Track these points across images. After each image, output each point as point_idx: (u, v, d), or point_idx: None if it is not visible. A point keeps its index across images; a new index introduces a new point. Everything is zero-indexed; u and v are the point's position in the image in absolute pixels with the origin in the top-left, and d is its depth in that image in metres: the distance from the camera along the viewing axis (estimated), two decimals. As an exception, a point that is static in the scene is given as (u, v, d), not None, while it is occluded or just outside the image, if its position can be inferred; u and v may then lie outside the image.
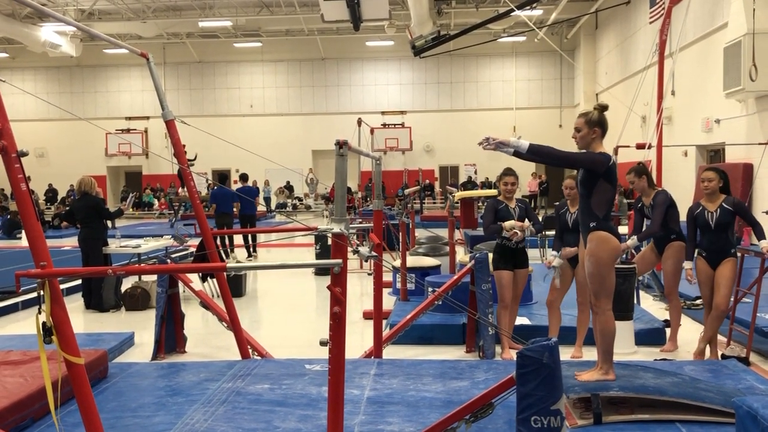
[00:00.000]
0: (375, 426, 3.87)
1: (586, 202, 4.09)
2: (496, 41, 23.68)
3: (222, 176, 15.18)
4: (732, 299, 5.43)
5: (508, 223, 5.59)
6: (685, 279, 5.56)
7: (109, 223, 9.25)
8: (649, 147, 10.70)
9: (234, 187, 16.29)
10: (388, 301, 7.66)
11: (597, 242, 4.03)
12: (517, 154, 3.74)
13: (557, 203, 6.09)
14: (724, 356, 5.42)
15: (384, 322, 5.97)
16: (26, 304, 8.23)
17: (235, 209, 13.14)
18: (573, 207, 5.63)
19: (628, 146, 11.88)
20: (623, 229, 11.92)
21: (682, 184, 14.60)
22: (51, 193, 29.18)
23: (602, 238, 4.03)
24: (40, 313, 2.90)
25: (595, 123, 4.08)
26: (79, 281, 8.85)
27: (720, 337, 5.67)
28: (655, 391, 3.84)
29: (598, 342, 4.17)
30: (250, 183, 17.12)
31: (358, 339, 6.43)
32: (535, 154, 3.79)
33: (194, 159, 18.32)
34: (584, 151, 4.06)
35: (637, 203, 6.20)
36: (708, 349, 5.46)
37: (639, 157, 10.05)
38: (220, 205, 12.41)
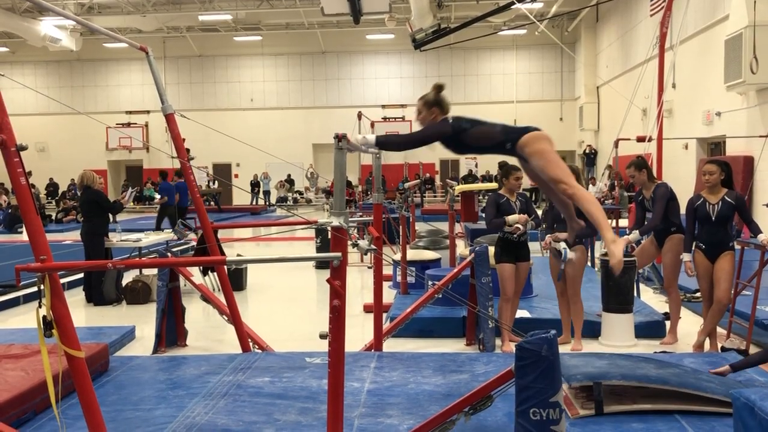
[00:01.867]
0: (375, 418, 3.88)
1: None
2: (496, 34, 23.64)
3: (163, 173, 15.85)
4: (732, 292, 5.44)
5: (511, 218, 5.62)
6: (685, 272, 5.56)
7: (110, 217, 9.26)
8: (650, 140, 10.69)
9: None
10: (389, 295, 7.67)
11: (525, 145, 3.68)
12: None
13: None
14: (723, 349, 5.44)
15: (384, 315, 5.98)
16: (27, 298, 8.25)
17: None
18: None
19: (629, 139, 11.86)
20: (624, 222, 11.94)
21: (682, 177, 14.59)
22: (52, 188, 29.20)
23: (526, 140, 3.70)
24: (40, 306, 2.91)
25: (433, 103, 4.02)
26: (81, 275, 8.87)
27: (720, 330, 5.68)
28: (658, 381, 3.85)
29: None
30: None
31: (359, 332, 6.44)
32: (384, 144, 3.72)
33: (189, 154, 18.50)
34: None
35: (637, 196, 6.19)
36: (708, 341, 5.47)
37: (640, 150, 10.05)
38: (169, 198, 14.22)
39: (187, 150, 17.63)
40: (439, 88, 4.00)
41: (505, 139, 3.74)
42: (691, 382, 3.88)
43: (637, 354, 5.01)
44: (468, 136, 3.78)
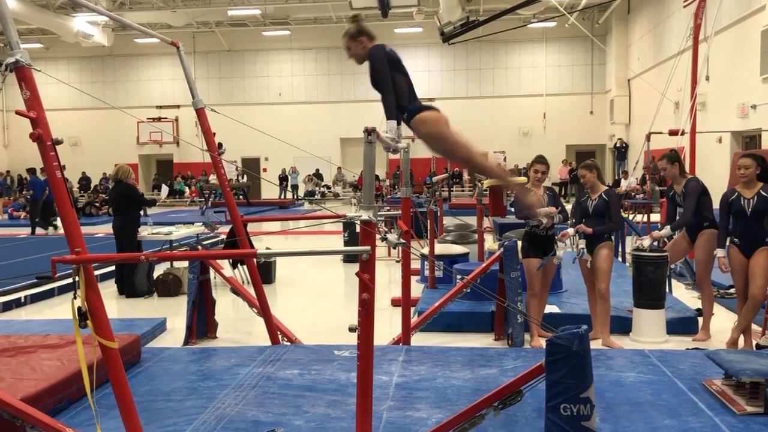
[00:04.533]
0: (403, 412, 3.88)
1: (392, 99, 3.95)
2: (525, 27, 23.39)
3: (31, 169, 16.37)
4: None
5: (543, 210, 5.58)
6: (719, 267, 5.46)
7: (141, 211, 9.40)
8: (683, 133, 10.50)
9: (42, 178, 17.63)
10: (416, 289, 7.66)
11: (421, 124, 3.93)
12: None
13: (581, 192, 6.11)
14: (759, 346, 5.33)
15: (412, 309, 5.98)
16: (62, 290, 8.41)
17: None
18: (593, 194, 5.72)
19: (661, 132, 11.69)
20: (656, 218, 11.76)
21: (715, 171, 14.32)
22: (84, 181, 29.69)
23: (423, 119, 3.92)
24: (75, 298, 2.97)
25: (358, 33, 4.01)
26: (112, 268, 9.01)
27: (755, 327, 5.58)
28: None
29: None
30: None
31: (386, 326, 6.45)
32: (390, 114, 3.82)
33: (222, 151, 18.80)
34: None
35: (669, 191, 6.10)
36: (742, 338, 5.37)
37: (672, 144, 9.88)
38: (35, 192, 15.05)
39: (219, 144, 17.92)
40: (355, 17, 4.05)
41: (406, 105, 3.92)
42: None
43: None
44: (397, 68, 4.04)
